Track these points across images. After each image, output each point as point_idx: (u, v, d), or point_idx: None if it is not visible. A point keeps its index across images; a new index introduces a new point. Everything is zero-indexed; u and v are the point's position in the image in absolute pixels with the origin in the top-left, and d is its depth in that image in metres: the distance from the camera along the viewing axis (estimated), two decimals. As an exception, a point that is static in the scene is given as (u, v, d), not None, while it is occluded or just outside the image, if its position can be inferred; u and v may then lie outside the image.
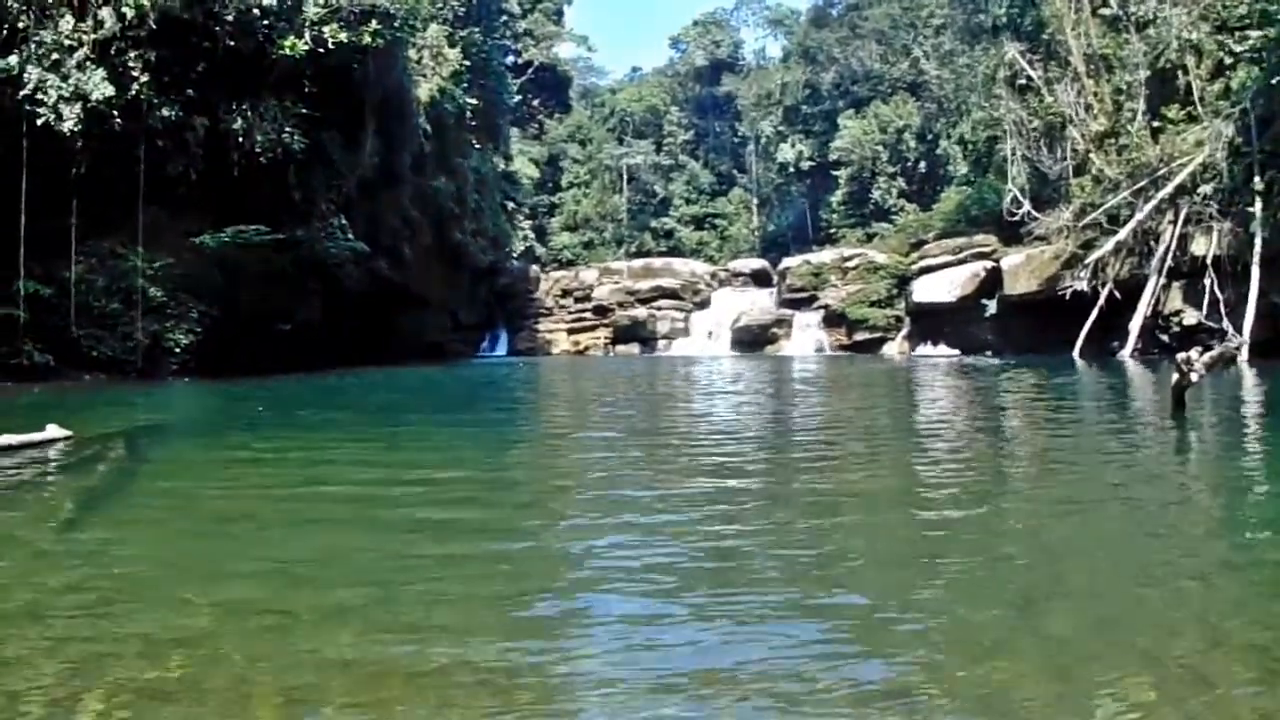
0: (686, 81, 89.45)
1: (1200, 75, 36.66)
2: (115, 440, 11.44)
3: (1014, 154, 43.68)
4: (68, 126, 23.47)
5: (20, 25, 23.75)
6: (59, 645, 4.05)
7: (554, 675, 3.71)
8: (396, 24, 30.71)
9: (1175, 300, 35.32)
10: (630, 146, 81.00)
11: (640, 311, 54.26)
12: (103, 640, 4.07)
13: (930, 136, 65.01)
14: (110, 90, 23.71)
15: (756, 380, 26.74)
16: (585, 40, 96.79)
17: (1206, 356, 12.93)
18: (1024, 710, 3.32)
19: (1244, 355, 29.04)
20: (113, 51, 24.30)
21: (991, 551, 5.79)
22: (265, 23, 26.05)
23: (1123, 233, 36.35)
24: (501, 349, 54.78)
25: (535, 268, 62.57)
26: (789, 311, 52.35)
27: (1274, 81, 31.27)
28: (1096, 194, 38.61)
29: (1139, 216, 35.99)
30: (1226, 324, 31.64)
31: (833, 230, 68.44)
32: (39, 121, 23.26)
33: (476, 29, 48.68)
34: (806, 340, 50.81)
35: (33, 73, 23.41)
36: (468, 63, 43.95)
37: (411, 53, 37.86)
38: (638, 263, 60.77)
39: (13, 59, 23.41)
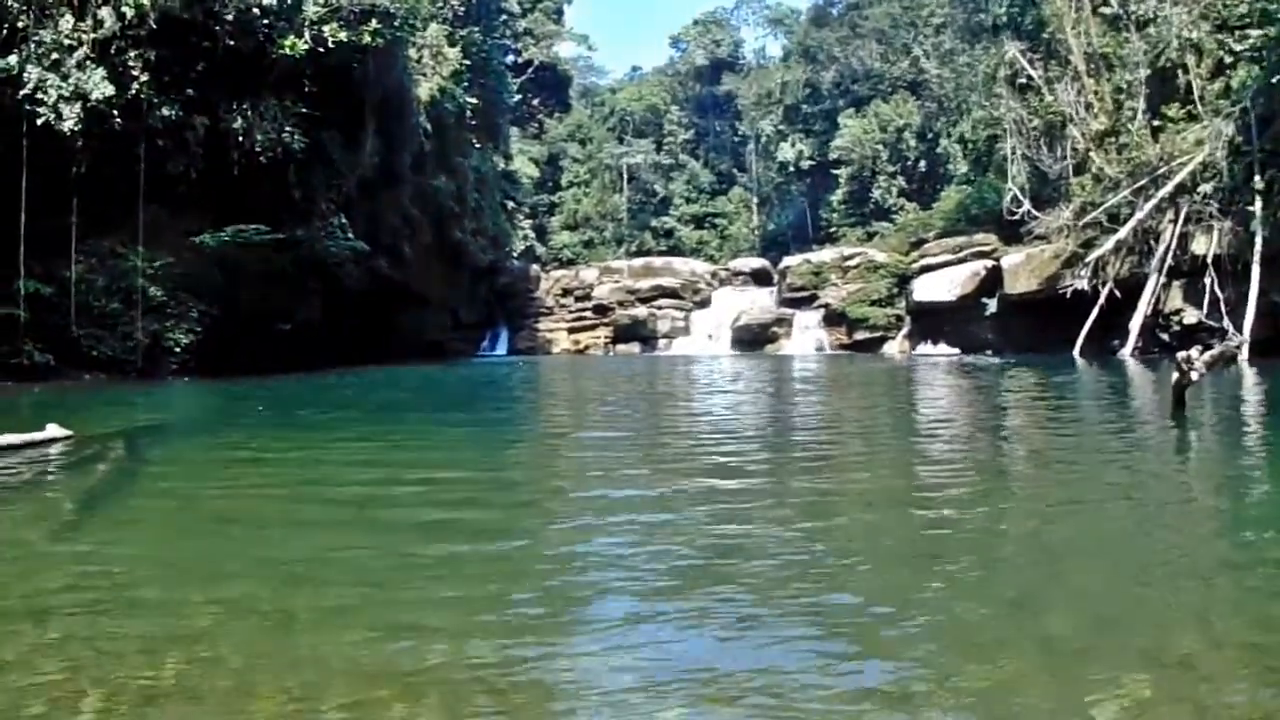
0: (687, 81, 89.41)
1: (1200, 74, 36.63)
2: (115, 440, 11.44)
3: (1014, 153, 43.65)
4: (68, 126, 23.47)
5: (20, 25, 23.74)
6: (59, 645, 4.06)
7: (553, 676, 3.71)
8: (396, 23, 30.71)
9: (1175, 299, 35.30)
10: (630, 146, 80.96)
11: (640, 311, 54.23)
12: (102, 640, 4.08)
13: (930, 135, 64.99)
14: (110, 89, 23.71)
15: (756, 379, 26.74)
16: (585, 39, 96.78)
17: (1207, 355, 12.93)
18: (1023, 710, 3.33)
19: (1244, 354, 29.01)
20: (113, 51, 24.30)
21: (991, 551, 5.80)
22: (265, 22, 26.04)
23: (1123, 231, 36.33)
24: (502, 348, 54.72)
25: (535, 267, 62.54)
26: (789, 311, 52.29)
27: (1274, 80, 31.26)
28: (1097, 193, 38.57)
29: (1139, 215, 35.96)
30: (1227, 323, 31.62)
31: (833, 229, 68.41)
32: (39, 121, 23.25)
33: (476, 28, 48.65)
34: (807, 339, 50.76)
35: (33, 72, 23.40)
36: (468, 62, 43.92)
37: (411, 52, 37.84)
38: (638, 262, 60.72)
39: (12, 58, 23.41)
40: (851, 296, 49.96)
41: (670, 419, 16.23)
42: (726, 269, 59.55)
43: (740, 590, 4.79)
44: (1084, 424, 14.41)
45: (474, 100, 45.83)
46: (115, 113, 23.89)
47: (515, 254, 66.16)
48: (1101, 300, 36.57)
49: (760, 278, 57.02)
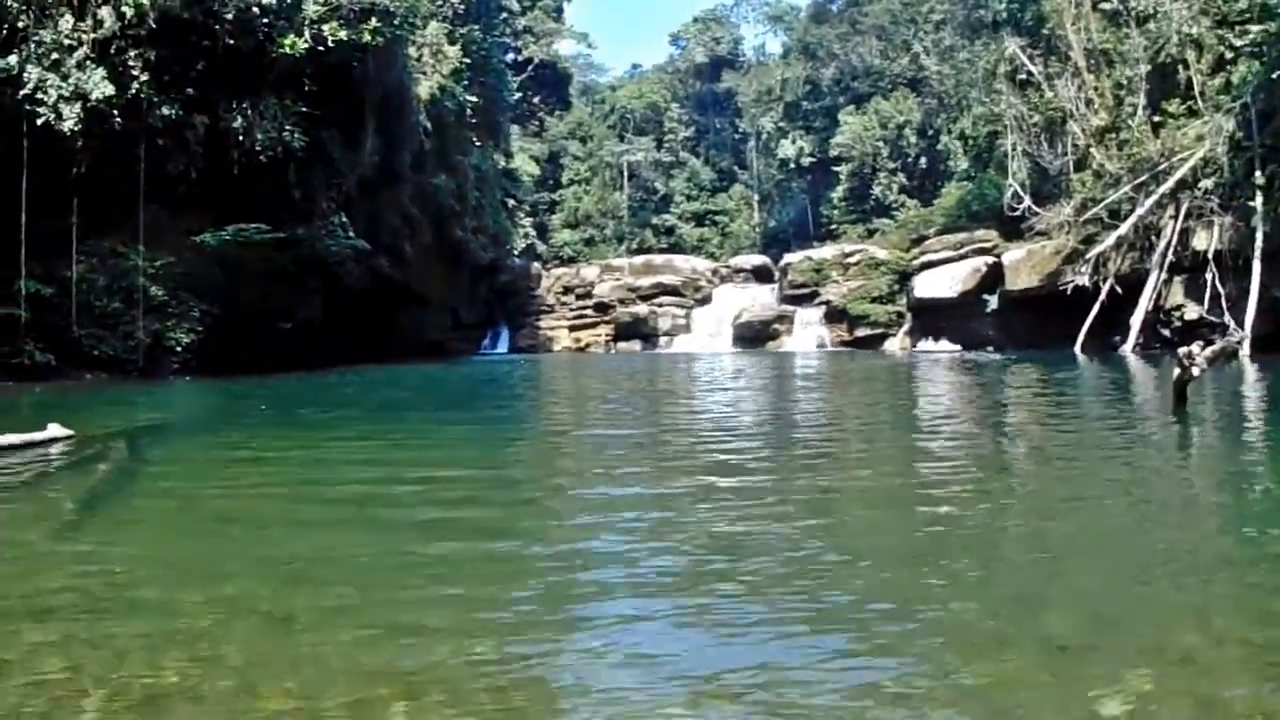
0: (687, 78, 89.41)
1: (1201, 70, 36.61)
2: (116, 439, 11.44)
3: (1015, 149, 43.63)
4: (68, 126, 23.48)
5: (20, 25, 23.76)
6: (60, 644, 4.06)
7: (553, 675, 3.71)
8: (396, 22, 30.72)
9: (1176, 295, 35.29)
10: (631, 143, 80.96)
11: (641, 308, 54.26)
12: (103, 640, 4.08)
13: (931, 132, 64.99)
14: (110, 89, 23.72)
15: (758, 377, 26.75)
16: (585, 37, 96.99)
17: (1208, 351, 12.91)
18: (1024, 707, 3.32)
19: (1245, 350, 29.00)
20: (112, 50, 24.31)
21: (992, 548, 5.79)
22: (265, 21, 26.05)
23: (1124, 228, 36.32)
24: (502, 346, 54.77)
25: (536, 265, 62.57)
26: (790, 308, 52.31)
27: (1275, 76, 31.23)
28: (1097, 189, 38.55)
29: (1140, 211, 35.96)
30: (1228, 318, 31.59)
31: (834, 226, 68.43)
32: (39, 121, 23.28)
33: (476, 26, 48.65)
34: (808, 336, 50.77)
35: (32, 72, 23.42)
36: (468, 60, 43.93)
37: (411, 50, 37.86)
38: (639, 259, 60.75)
39: (12, 58, 23.42)
40: (852, 293, 49.99)
41: (671, 416, 16.22)
42: (727, 266, 59.60)
43: (741, 588, 4.79)
44: (1085, 420, 14.40)
45: (474, 98, 45.84)
46: (115, 112, 23.91)
47: (516, 252, 66.17)
48: (1102, 296, 36.58)
49: (761, 275, 57.05)
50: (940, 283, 45.28)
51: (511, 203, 66.11)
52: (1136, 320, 35.55)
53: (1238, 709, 3.29)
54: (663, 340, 53.23)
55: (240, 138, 26.10)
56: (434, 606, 4.60)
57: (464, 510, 7.17)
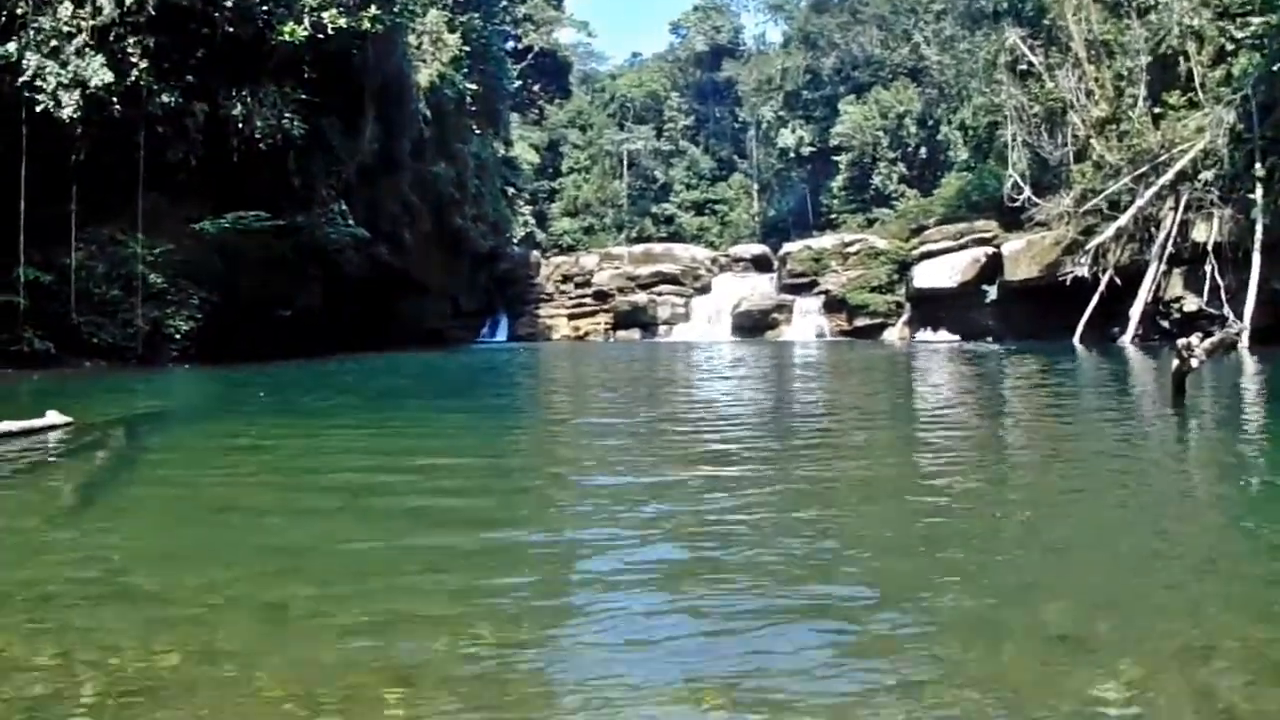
0: (687, 67, 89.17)
1: (1201, 61, 36.57)
2: (115, 427, 11.47)
3: (1015, 139, 43.62)
4: (67, 113, 23.40)
5: (19, 11, 23.66)
6: (56, 632, 4.06)
7: (551, 667, 3.71)
8: (396, 9, 30.63)
9: (1176, 286, 35.31)
10: (631, 132, 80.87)
11: (641, 297, 54.24)
12: (98, 630, 4.08)
13: (931, 122, 64.89)
14: (109, 76, 23.64)
15: (757, 366, 26.76)
16: (585, 25, 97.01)
17: (1207, 343, 12.93)
18: (1023, 699, 3.33)
19: (1244, 341, 29.04)
20: (112, 38, 24.22)
21: (991, 540, 5.80)
22: (264, 8, 25.96)
23: (1123, 219, 36.31)
24: (502, 335, 54.81)
25: (536, 253, 62.54)
26: (789, 297, 52.32)
27: (1275, 68, 31.18)
28: (1097, 180, 38.54)
29: (1140, 203, 35.95)
30: (1227, 310, 31.64)
31: (833, 216, 68.37)
32: (38, 108, 23.20)
33: (476, 14, 48.49)
34: (807, 326, 50.80)
35: (31, 59, 23.33)
36: (467, 48, 43.81)
37: (411, 38, 37.75)
38: (638, 248, 60.74)
39: (11, 45, 23.33)
40: (852, 283, 50.01)
41: (670, 405, 16.21)
42: (727, 255, 59.59)
43: (738, 578, 4.79)
44: (1083, 411, 14.41)
45: (474, 86, 45.70)
46: (114, 100, 23.83)
47: (515, 240, 66.13)
48: (1102, 287, 36.63)
49: (760, 264, 57.05)
50: (940, 273, 45.31)
51: (511, 191, 66.05)
52: (1136, 312, 35.58)
53: (1235, 700, 3.30)
54: (662, 329, 53.24)
55: (240, 125, 26.03)
56: (431, 595, 4.60)
57: (462, 499, 7.18)
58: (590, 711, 3.26)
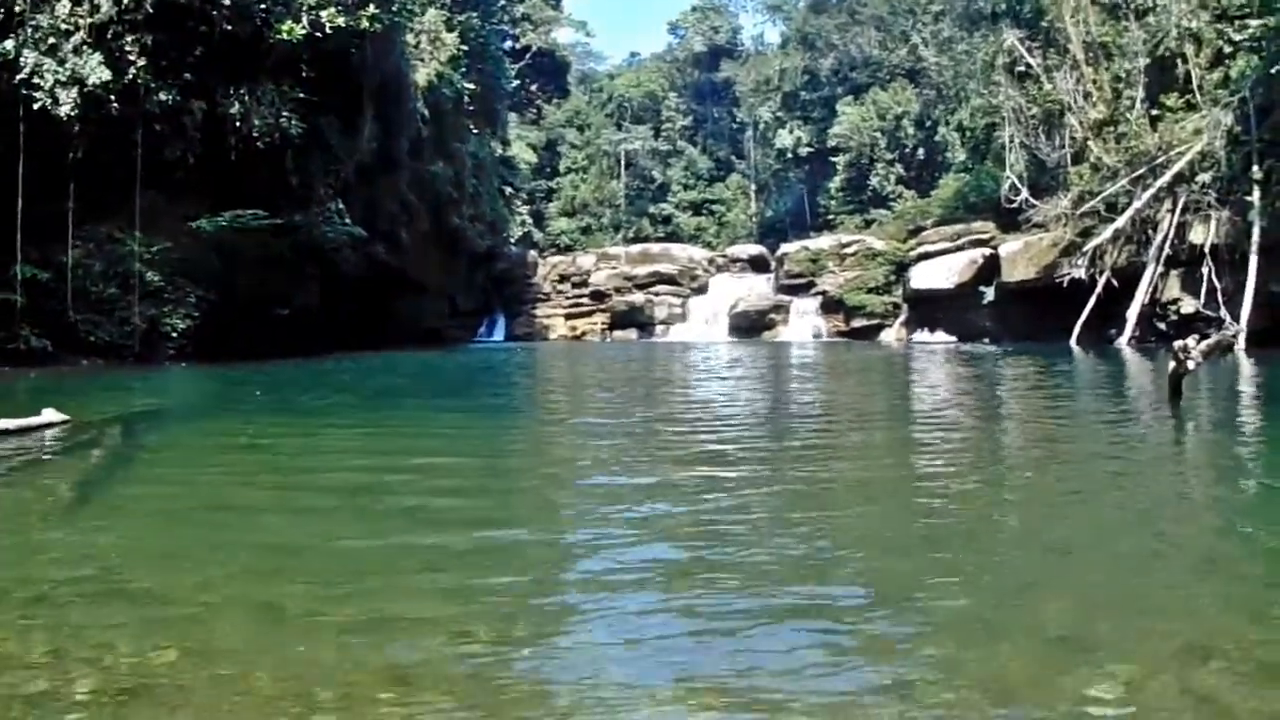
0: (685, 67, 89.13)
1: (1199, 64, 36.61)
2: (112, 425, 11.45)
3: (1012, 141, 43.64)
4: (64, 111, 23.40)
5: (17, 9, 23.65)
6: (50, 631, 4.06)
7: (546, 668, 3.70)
8: (394, 8, 30.62)
9: (1173, 288, 35.35)
10: (628, 132, 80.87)
11: (638, 297, 54.24)
12: (93, 627, 4.07)
13: (929, 123, 64.87)
14: (107, 74, 23.63)
15: (753, 366, 26.76)
16: (583, 25, 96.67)
17: (1203, 345, 12.93)
18: (1020, 700, 3.33)
19: (1241, 344, 29.07)
20: (109, 35, 24.21)
21: (988, 541, 5.80)
22: (262, 7, 25.95)
23: (1121, 221, 36.34)
24: (499, 334, 54.83)
25: (533, 253, 62.58)
26: (787, 297, 52.33)
27: (1273, 70, 31.22)
28: (1095, 182, 38.57)
29: (1137, 204, 35.98)
30: (1224, 312, 31.70)
31: (831, 216, 68.35)
32: (35, 106, 23.21)
33: (474, 14, 48.50)
34: (804, 326, 50.83)
35: (29, 57, 23.33)
36: (465, 47, 43.82)
37: (409, 37, 37.76)
38: (635, 248, 60.72)
39: (9, 43, 23.33)
40: (849, 284, 50.03)
41: (666, 405, 16.21)
42: (724, 256, 59.60)
43: (734, 578, 4.78)
44: (1080, 413, 14.42)
45: (472, 86, 45.74)
46: (112, 98, 23.83)
47: (513, 240, 66.19)
48: (1099, 289, 36.64)
49: (758, 264, 57.08)
50: (937, 274, 45.34)
51: (509, 190, 66.07)
52: (1132, 313, 35.60)
53: (1232, 701, 3.30)
54: (659, 329, 53.25)
55: (237, 124, 26.03)
56: (427, 595, 4.60)
57: (459, 499, 7.17)
58: (585, 711, 3.25)
